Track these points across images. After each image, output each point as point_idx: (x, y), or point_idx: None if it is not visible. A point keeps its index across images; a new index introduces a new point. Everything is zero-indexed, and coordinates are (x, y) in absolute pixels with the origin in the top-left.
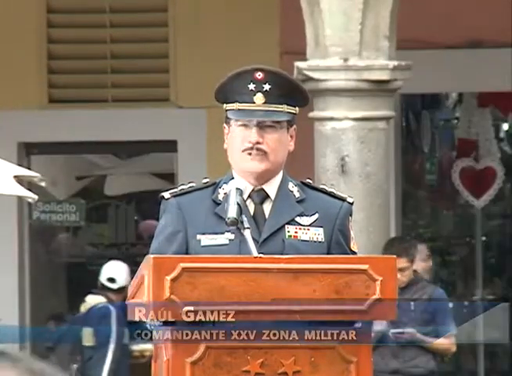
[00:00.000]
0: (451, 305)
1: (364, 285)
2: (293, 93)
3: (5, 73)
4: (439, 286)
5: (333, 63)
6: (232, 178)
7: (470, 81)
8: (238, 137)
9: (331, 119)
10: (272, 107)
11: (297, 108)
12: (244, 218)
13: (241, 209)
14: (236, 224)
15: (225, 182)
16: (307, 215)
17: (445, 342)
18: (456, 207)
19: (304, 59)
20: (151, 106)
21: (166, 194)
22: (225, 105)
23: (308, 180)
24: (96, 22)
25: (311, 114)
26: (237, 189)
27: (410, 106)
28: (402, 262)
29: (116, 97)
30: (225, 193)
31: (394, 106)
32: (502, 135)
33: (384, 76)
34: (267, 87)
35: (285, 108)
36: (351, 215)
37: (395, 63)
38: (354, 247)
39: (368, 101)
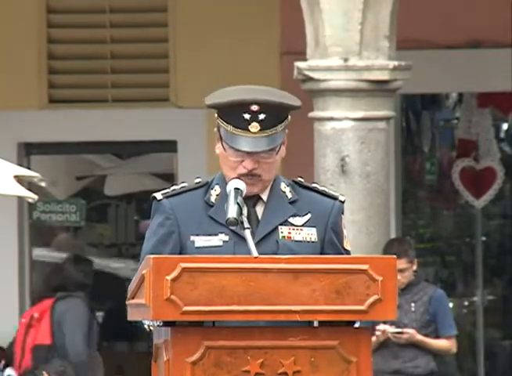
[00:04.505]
0: (451, 305)
1: (364, 285)
2: (287, 112)
3: (5, 73)
4: (439, 286)
5: (333, 63)
6: (224, 178)
7: (470, 81)
8: (232, 159)
9: (331, 119)
10: (267, 133)
11: (289, 116)
12: (244, 219)
13: (241, 209)
14: (236, 224)
15: (217, 183)
16: (299, 216)
17: (445, 343)
18: (456, 207)
19: (304, 59)
20: (151, 106)
21: (158, 195)
22: (216, 115)
23: (300, 179)
24: (96, 22)
25: (311, 114)
26: (237, 189)
27: (410, 106)
28: (401, 263)
29: (116, 97)
30: (217, 195)
31: (394, 106)
32: (502, 135)
33: (384, 76)
34: (262, 117)
35: (279, 128)
36: (342, 213)
37: (395, 63)
38: (347, 245)
39: (368, 101)
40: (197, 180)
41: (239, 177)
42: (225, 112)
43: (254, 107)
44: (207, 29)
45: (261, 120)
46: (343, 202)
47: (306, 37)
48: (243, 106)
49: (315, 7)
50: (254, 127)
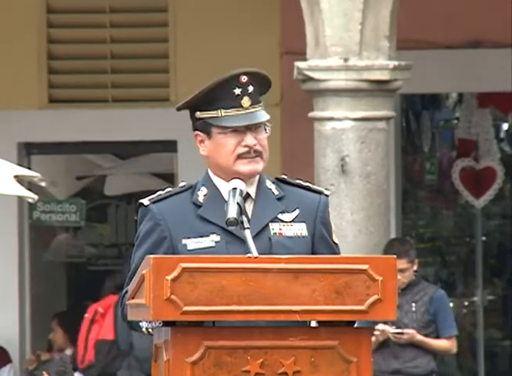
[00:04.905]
0: (451, 305)
1: (364, 285)
2: (268, 86)
3: (5, 73)
4: (439, 286)
5: (333, 63)
6: (210, 179)
7: (470, 81)
8: (229, 144)
9: (331, 119)
10: (257, 107)
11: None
12: (244, 219)
13: (241, 209)
14: (237, 224)
15: (203, 184)
16: (288, 212)
17: (445, 343)
18: (456, 207)
19: (304, 59)
20: (151, 106)
21: (145, 201)
22: (198, 113)
23: (284, 176)
24: (96, 22)
25: (311, 114)
26: (235, 189)
27: (410, 106)
28: (402, 263)
29: (116, 97)
30: (204, 195)
31: (394, 106)
32: (502, 135)
33: (384, 76)
34: (251, 89)
35: (262, 105)
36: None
37: (395, 63)
38: (335, 239)
39: (368, 101)
40: (182, 184)
41: (240, 157)
42: (213, 96)
43: (244, 78)
44: (207, 29)
45: (250, 93)
46: (328, 196)
47: (306, 37)
48: (233, 80)
49: (315, 7)
50: (246, 101)
